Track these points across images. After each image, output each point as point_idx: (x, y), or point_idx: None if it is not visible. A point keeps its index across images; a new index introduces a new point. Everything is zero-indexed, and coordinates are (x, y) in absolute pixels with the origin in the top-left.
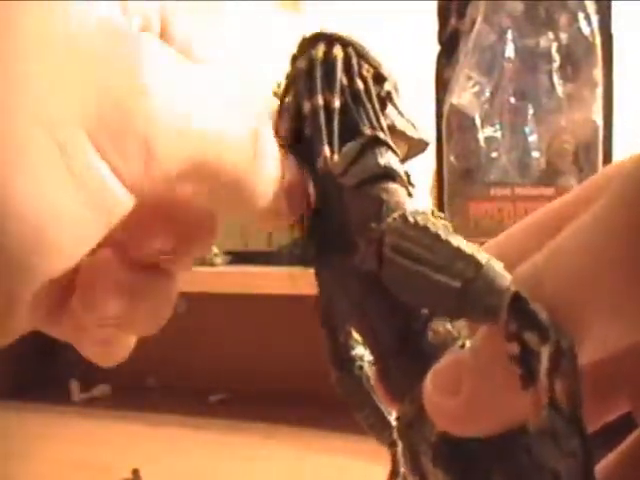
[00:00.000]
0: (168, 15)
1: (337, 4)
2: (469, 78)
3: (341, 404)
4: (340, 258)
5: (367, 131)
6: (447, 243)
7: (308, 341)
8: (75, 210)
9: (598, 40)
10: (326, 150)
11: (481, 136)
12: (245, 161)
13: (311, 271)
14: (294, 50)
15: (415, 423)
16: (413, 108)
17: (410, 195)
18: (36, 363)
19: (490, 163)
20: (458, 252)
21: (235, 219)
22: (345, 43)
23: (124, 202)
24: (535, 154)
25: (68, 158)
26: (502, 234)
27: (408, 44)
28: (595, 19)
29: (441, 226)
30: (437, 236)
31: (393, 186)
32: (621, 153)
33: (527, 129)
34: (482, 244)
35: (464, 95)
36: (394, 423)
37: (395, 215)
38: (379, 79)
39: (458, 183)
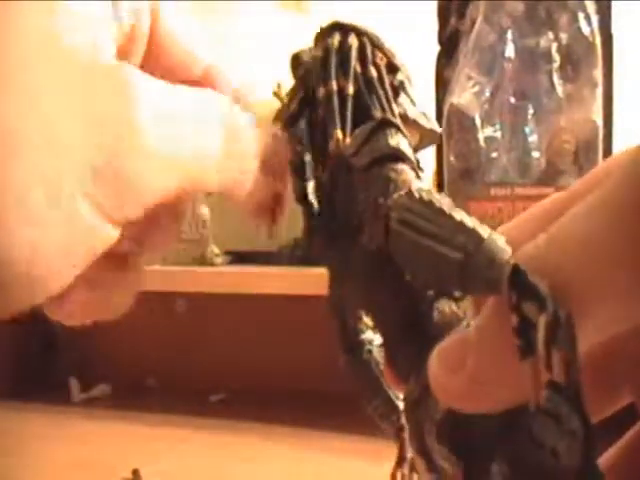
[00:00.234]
0: (157, 11)
1: (337, 4)
2: (469, 78)
3: (341, 404)
4: (349, 240)
5: (379, 115)
6: (450, 217)
7: (308, 341)
8: (63, 246)
9: (598, 40)
10: (338, 133)
11: (481, 136)
12: (226, 184)
13: (311, 271)
14: (299, 49)
15: (420, 402)
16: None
17: (418, 178)
18: (36, 363)
19: (490, 163)
20: (461, 226)
21: (235, 219)
22: (360, 33)
23: (108, 237)
24: (535, 154)
25: (59, 202)
26: (506, 224)
27: (408, 44)
28: (595, 19)
29: (445, 202)
30: (441, 210)
31: (402, 167)
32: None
33: (527, 129)
34: None
35: (464, 95)
36: (402, 408)
37: (401, 192)
38: (392, 69)
39: (458, 183)
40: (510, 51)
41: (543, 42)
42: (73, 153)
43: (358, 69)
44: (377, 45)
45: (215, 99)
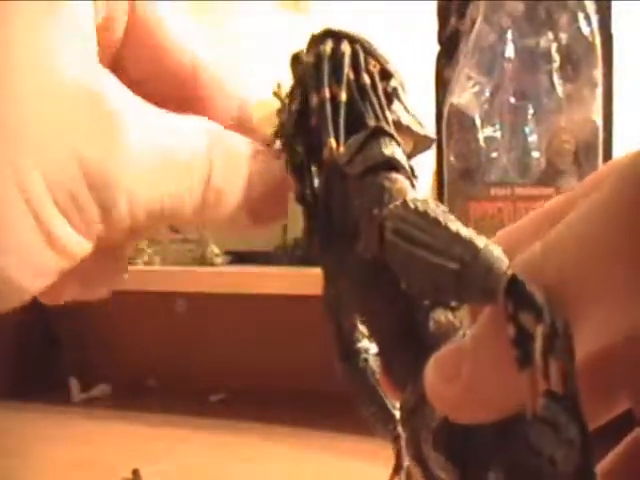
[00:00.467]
0: (136, 4)
1: (337, 4)
2: (469, 78)
3: (341, 404)
4: (344, 248)
5: (372, 123)
6: (446, 228)
7: (308, 341)
8: (37, 255)
9: (598, 40)
10: (332, 141)
11: (481, 136)
12: (204, 208)
13: (311, 271)
14: (299, 49)
15: (417, 410)
16: (413, 108)
17: (413, 187)
18: (36, 363)
19: (490, 163)
20: (456, 236)
21: None
22: (353, 40)
23: (81, 249)
24: (535, 154)
25: (33, 213)
26: (505, 228)
27: (408, 44)
28: (595, 19)
29: (440, 212)
30: (436, 221)
31: (396, 176)
32: (621, 153)
33: (527, 129)
34: None
35: (464, 95)
36: (398, 416)
37: (397, 202)
38: (386, 75)
39: (458, 183)
40: (510, 51)
41: (543, 42)
42: (49, 164)
43: (351, 76)
44: (370, 52)
45: (195, 125)
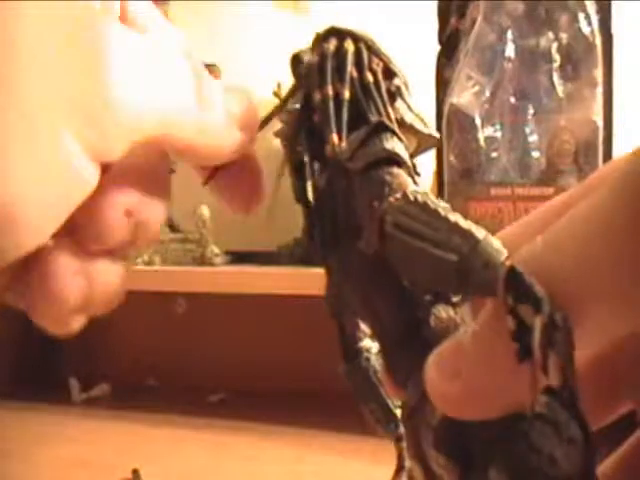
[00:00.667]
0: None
1: (337, 4)
2: (469, 78)
3: (341, 404)
4: (347, 245)
5: (374, 120)
6: (445, 219)
7: (308, 341)
8: (43, 189)
9: (598, 40)
10: (334, 137)
11: (481, 136)
12: (194, 118)
13: (311, 271)
14: (299, 49)
15: (418, 408)
16: (417, 107)
17: (415, 182)
18: (36, 363)
19: (490, 163)
20: (456, 228)
21: (235, 219)
22: (356, 38)
23: (90, 180)
24: (535, 154)
25: (38, 139)
26: (505, 229)
27: (408, 44)
28: (595, 19)
29: (441, 204)
30: (436, 212)
31: (397, 170)
32: (621, 153)
33: (527, 129)
34: None
35: (464, 95)
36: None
37: (397, 195)
38: (389, 74)
39: (458, 183)
40: (510, 51)
41: (543, 42)
42: (54, 88)
43: (354, 74)
44: (374, 50)
45: (181, 51)
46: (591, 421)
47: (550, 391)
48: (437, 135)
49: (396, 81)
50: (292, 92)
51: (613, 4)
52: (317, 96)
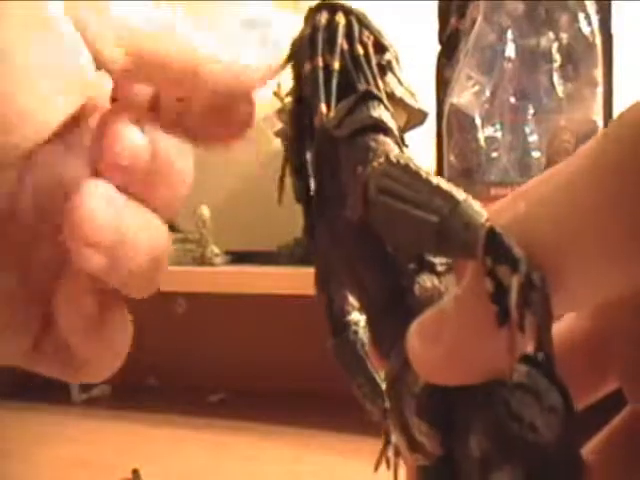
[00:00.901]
0: None
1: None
2: (469, 78)
3: (341, 404)
4: (333, 214)
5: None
6: (427, 181)
7: (308, 341)
8: (47, 82)
9: (598, 40)
10: (323, 107)
11: (481, 136)
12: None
13: (311, 271)
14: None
15: (400, 376)
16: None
17: (402, 152)
18: None
19: (490, 163)
20: (437, 189)
21: (235, 219)
22: (348, 11)
23: (91, 77)
24: (535, 154)
25: (43, 27)
26: (493, 204)
27: (408, 44)
28: (595, 19)
29: (424, 168)
30: (417, 174)
31: (383, 138)
32: None
33: (527, 129)
34: None
35: (464, 95)
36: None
37: (380, 159)
38: (380, 48)
39: (458, 183)
40: (510, 51)
41: (543, 42)
42: None
43: (345, 46)
44: (365, 24)
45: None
46: (581, 396)
47: (529, 360)
48: (427, 111)
49: (387, 55)
50: (284, 64)
51: (613, 4)
52: (307, 67)
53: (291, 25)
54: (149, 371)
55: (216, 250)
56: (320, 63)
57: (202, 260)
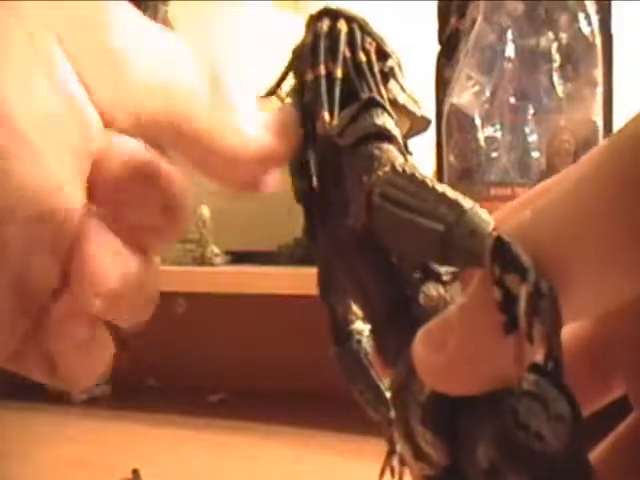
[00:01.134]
0: None
1: (337, 4)
2: (469, 78)
3: (341, 404)
4: (337, 224)
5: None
6: (432, 189)
7: (308, 341)
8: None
9: (598, 40)
10: (325, 115)
11: (481, 136)
12: (207, 108)
13: (311, 271)
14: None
15: (406, 385)
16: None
17: (406, 160)
18: None
19: (490, 163)
20: (443, 197)
21: (235, 219)
22: (350, 18)
23: (99, 130)
24: (535, 154)
25: (49, 68)
26: (499, 210)
27: (408, 44)
28: (595, 19)
29: (429, 176)
30: (423, 183)
31: (387, 146)
32: None
33: (527, 129)
34: None
35: (464, 95)
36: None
37: (385, 168)
38: (383, 55)
39: (458, 183)
40: (510, 51)
41: (543, 42)
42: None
43: (347, 53)
44: (367, 31)
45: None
46: (585, 403)
47: (538, 368)
48: (430, 118)
49: (389, 62)
50: (286, 73)
51: (613, 4)
52: (309, 76)
53: (291, 25)
54: (149, 371)
55: (216, 250)
56: (322, 71)
57: (202, 260)
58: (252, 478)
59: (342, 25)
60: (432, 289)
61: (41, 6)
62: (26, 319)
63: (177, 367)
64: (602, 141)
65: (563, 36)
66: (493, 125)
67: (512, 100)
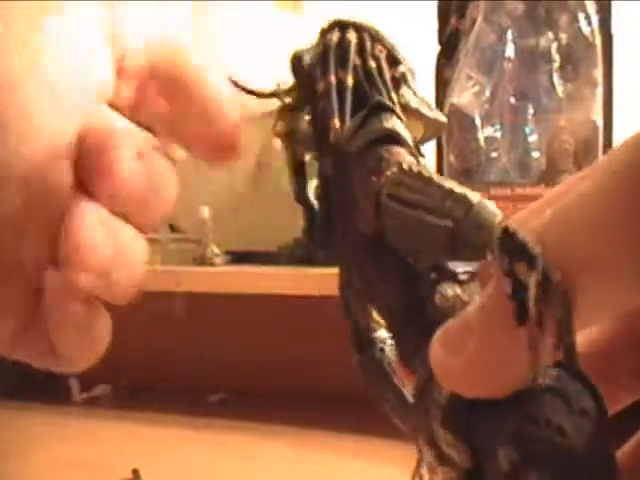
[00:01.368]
0: None
1: (337, 4)
2: (469, 78)
3: (341, 404)
4: (352, 230)
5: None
6: (439, 186)
7: (308, 341)
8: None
9: (598, 40)
10: (336, 122)
11: (481, 136)
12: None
13: (311, 271)
14: (299, 48)
15: (426, 388)
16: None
17: (418, 162)
18: None
19: (490, 163)
20: (450, 193)
21: (235, 219)
22: (359, 28)
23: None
24: (535, 154)
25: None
26: (521, 211)
27: (408, 44)
28: (595, 19)
29: (436, 174)
30: (430, 180)
31: (397, 149)
32: None
33: (527, 129)
34: None
35: (464, 95)
36: None
37: (393, 168)
38: (393, 62)
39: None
40: (510, 51)
41: (543, 42)
42: None
43: (357, 62)
44: (377, 39)
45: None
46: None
47: (561, 364)
48: (444, 119)
49: (401, 68)
50: (293, 89)
51: (613, 4)
52: (320, 86)
53: (291, 25)
54: (149, 371)
55: (216, 250)
56: (333, 80)
57: (202, 260)
58: (252, 478)
59: (352, 35)
60: (448, 289)
61: None
62: (22, 292)
63: (177, 367)
64: (615, 146)
65: (563, 36)
66: (493, 125)
67: (512, 100)
